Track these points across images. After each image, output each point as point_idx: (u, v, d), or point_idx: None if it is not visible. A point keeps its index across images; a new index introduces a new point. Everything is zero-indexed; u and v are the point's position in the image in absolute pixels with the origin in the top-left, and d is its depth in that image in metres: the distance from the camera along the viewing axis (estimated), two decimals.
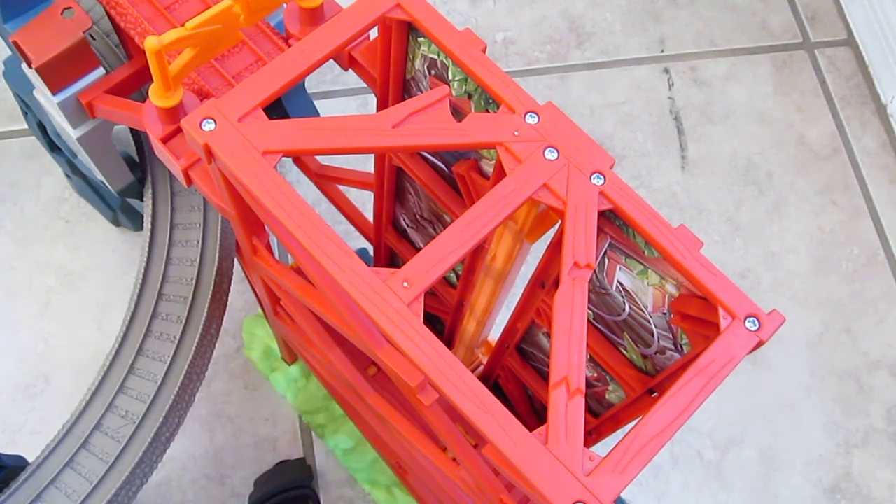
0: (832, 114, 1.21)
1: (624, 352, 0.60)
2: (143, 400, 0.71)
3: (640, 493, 0.98)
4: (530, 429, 0.43)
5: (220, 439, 0.97)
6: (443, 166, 0.64)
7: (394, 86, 0.60)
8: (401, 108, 0.50)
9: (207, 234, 0.75)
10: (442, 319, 0.84)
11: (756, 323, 0.46)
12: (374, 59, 0.59)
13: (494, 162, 0.56)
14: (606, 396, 0.66)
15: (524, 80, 1.19)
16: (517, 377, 0.79)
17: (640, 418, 0.44)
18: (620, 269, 0.53)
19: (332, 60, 0.55)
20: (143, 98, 0.62)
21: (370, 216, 0.82)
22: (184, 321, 0.73)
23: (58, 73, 0.67)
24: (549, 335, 0.66)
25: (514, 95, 0.51)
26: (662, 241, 0.48)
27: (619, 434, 0.56)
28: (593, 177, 0.49)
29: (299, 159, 0.78)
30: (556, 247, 0.54)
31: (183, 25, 0.49)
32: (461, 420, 0.44)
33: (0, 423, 0.96)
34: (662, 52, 1.23)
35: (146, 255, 0.75)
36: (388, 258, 0.87)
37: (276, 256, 0.67)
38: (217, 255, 0.74)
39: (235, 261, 0.78)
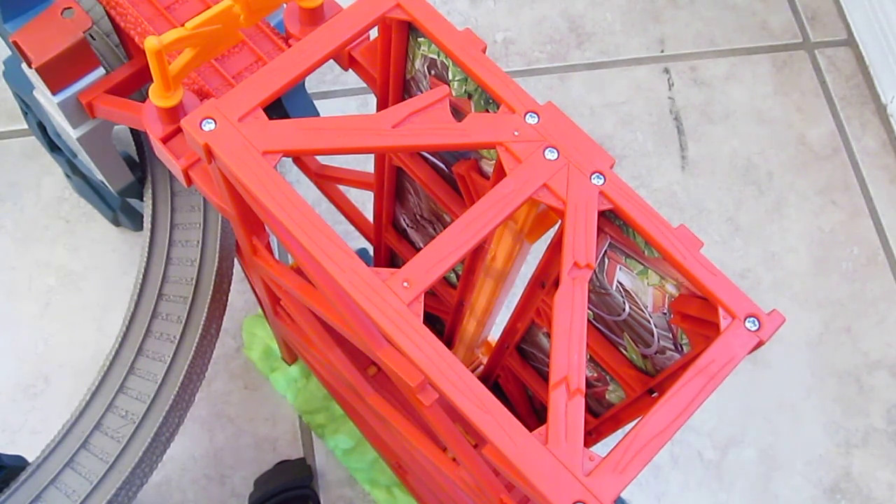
0: (832, 114, 1.21)
1: (624, 352, 0.60)
2: (143, 400, 0.71)
3: (640, 493, 0.98)
4: (530, 429, 0.43)
5: (220, 439, 0.97)
6: (443, 166, 0.64)
7: (394, 86, 0.60)
8: (401, 108, 0.50)
9: (207, 234, 0.75)
10: (442, 319, 0.84)
11: (756, 323, 0.46)
12: (374, 59, 0.59)
13: (494, 162, 0.56)
14: (606, 396, 0.66)
15: (524, 80, 1.19)
16: (517, 377, 0.79)
17: (640, 418, 0.44)
18: (620, 269, 0.53)
19: (332, 60, 0.55)
20: (143, 98, 0.62)
21: (370, 216, 0.82)
22: (184, 321, 0.73)
23: (58, 73, 0.67)
24: (549, 335, 0.66)
25: (514, 95, 0.51)
26: (662, 241, 0.48)
27: (619, 434, 0.56)
28: (593, 177, 0.49)
29: (299, 159, 0.78)
30: (556, 247, 0.54)
31: (183, 25, 0.49)
32: (461, 420, 0.44)
33: (0, 423, 0.96)
34: (662, 52, 1.23)
35: (146, 255, 0.75)
36: (388, 258, 0.87)
37: (276, 256, 0.67)
38: (217, 255, 0.74)
39: (235, 261, 0.78)
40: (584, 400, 0.44)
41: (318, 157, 0.78)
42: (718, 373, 0.45)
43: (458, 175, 0.60)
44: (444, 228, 0.56)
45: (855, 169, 1.18)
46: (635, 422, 0.44)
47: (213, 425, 0.98)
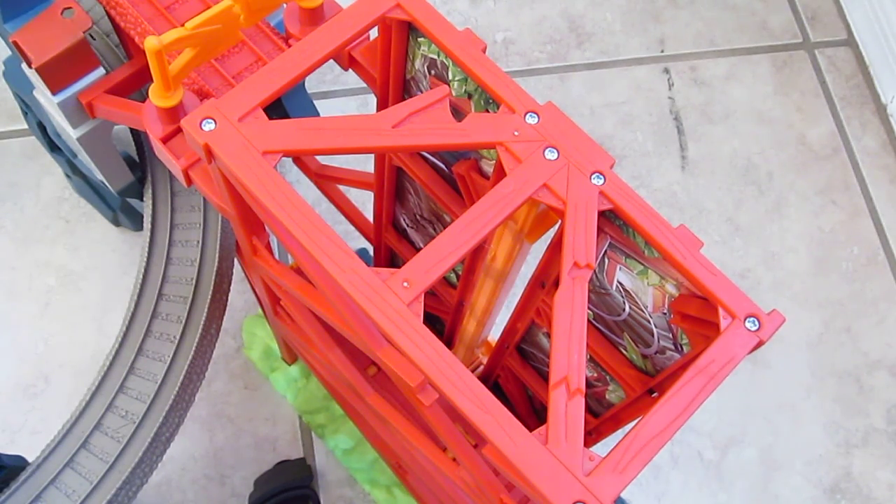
0: (832, 114, 1.21)
1: (624, 352, 0.60)
2: (143, 400, 0.71)
3: (640, 493, 0.98)
4: (530, 429, 0.43)
5: (220, 439, 0.97)
6: (443, 166, 0.64)
7: (394, 86, 0.60)
8: (401, 108, 0.50)
9: (207, 234, 0.75)
10: (442, 319, 0.84)
11: (756, 323, 0.46)
12: (374, 59, 0.59)
13: (494, 162, 0.56)
14: (606, 396, 0.66)
15: (524, 80, 1.19)
16: (517, 377, 0.79)
17: (640, 418, 0.44)
18: (620, 269, 0.53)
19: (332, 60, 0.55)
20: (143, 98, 0.62)
21: (370, 216, 0.82)
22: (184, 321, 0.73)
23: (58, 73, 0.67)
24: (549, 335, 0.66)
25: (514, 95, 0.51)
26: (662, 241, 0.48)
27: (619, 434, 0.56)
28: (593, 177, 0.49)
29: (299, 159, 0.78)
30: (556, 247, 0.54)
31: (183, 25, 0.49)
32: (461, 420, 0.44)
33: (0, 423, 0.96)
34: (662, 52, 1.23)
35: (146, 255, 0.75)
36: (388, 258, 0.87)
37: (276, 256, 0.67)
38: (217, 255, 0.74)
39: (235, 261, 0.78)
40: (584, 400, 0.44)
41: (318, 157, 0.78)
42: (718, 373, 0.45)
43: (458, 175, 0.60)
44: (444, 228, 0.56)
45: (855, 169, 1.18)
46: (635, 422, 0.44)
47: (213, 425, 0.98)
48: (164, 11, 0.66)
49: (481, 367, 0.86)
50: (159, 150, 0.57)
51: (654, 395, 0.59)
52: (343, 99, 1.16)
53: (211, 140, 0.48)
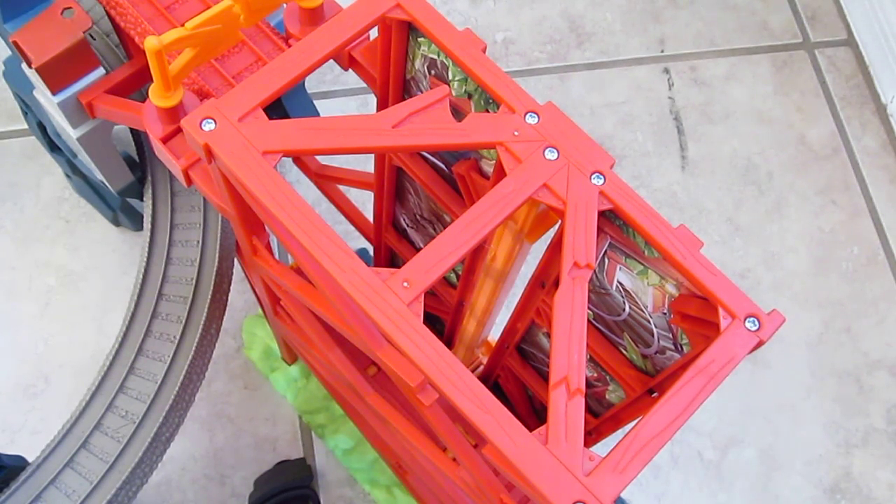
0: (832, 114, 1.21)
1: (624, 352, 0.60)
2: (143, 400, 0.71)
3: (640, 493, 0.98)
4: (530, 429, 0.43)
5: (220, 439, 0.97)
6: (443, 166, 0.64)
7: (394, 86, 0.60)
8: (401, 108, 0.50)
9: (207, 234, 0.75)
10: (442, 319, 0.84)
11: (756, 323, 0.46)
12: (374, 59, 0.59)
13: (494, 162, 0.56)
14: (606, 396, 0.66)
15: (524, 80, 1.19)
16: (517, 377, 0.79)
17: (640, 418, 0.44)
18: (620, 269, 0.53)
19: (332, 60, 0.55)
20: (143, 98, 0.62)
21: (370, 216, 0.82)
22: (184, 321, 0.73)
23: (58, 73, 0.67)
24: (549, 335, 0.66)
25: (514, 95, 0.51)
26: (662, 241, 0.48)
27: (619, 434, 0.56)
28: (593, 177, 0.49)
29: (299, 159, 0.78)
30: (556, 247, 0.54)
31: (183, 25, 0.49)
32: (461, 420, 0.44)
33: (0, 423, 0.96)
34: (662, 52, 1.23)
35: (146, 255, 0.75)
36: (388, 258, 0.87)
37: (276, 256, 0.67)
38: (217, 255, 0.74)
39: (235, 261, 0.78)
40: (584, 400, 0.44)
41: (318, 157, 0.78)
42: (718, 373, 0.45)
43: (458, 175, 0.60)
44: (444, 228, 0.56)
45: (855, 169, 1.18)
46: (635, 422, 0.44)
47: (213, 425, 0.98)
48: (164, 11, 0.66)
49: (481, 367, 0.86)
50: (159, 150, 0.57)
51: (654, 395, 0.59)
52: (343, 99, 1.16)
53: (211, 140, 0.48)
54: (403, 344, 0.44)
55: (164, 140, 0.56)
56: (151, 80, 0.53)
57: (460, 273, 0.72)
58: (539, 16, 1.24)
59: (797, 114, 1.21)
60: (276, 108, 0.69)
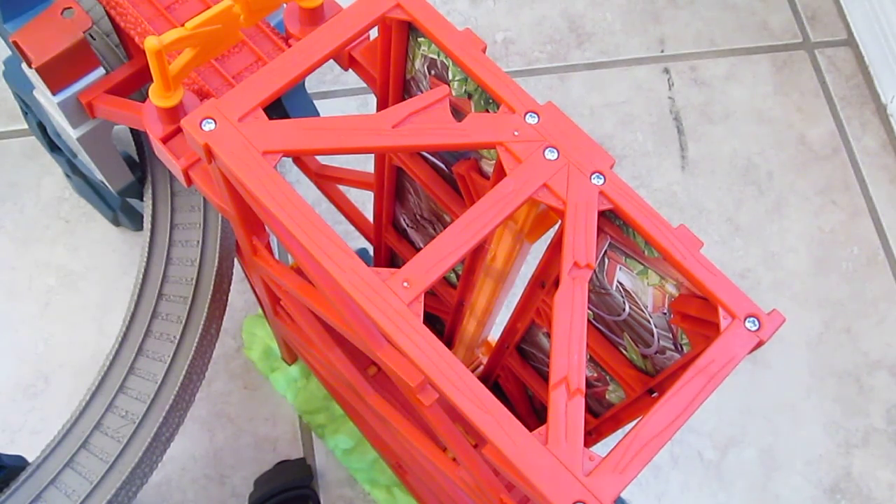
0: (832, 114, 1.21)
1: (624, 352, 0.60)
2: (143, 400, 0.71)
3: (640, 493, 0.98)
4: (530, 429, 0.43)
5: (220, 439, 0.97)
6: (443, 166, 0.64)
7: (394, 86, 0.60)
8: (401, 108, 0.50)
9: (207, 234, 0.75)
10: (442, 319, 0.84)
11: (756, 323, 0.46)
12: (374, 59, 0.59)
13: (494, 162, 0.56)
14: (606, 396, 0.66)
15: (524, 80, 1.19)
16: (517, 377, 0.79)
17: (640, 418, 0.44)
18: (620, 269, 0.53)
19: (332, 60, 0.55)
20: (143, 98, 0.62)
21: (370, 216, 0.82)
22: (184, 321, 0.73)
23: (58, 73, 0.67)
24: (549, 335, 0.66)
25: (514, 95, 0.51)
26: (662, 241, 0.48)
27: (619, 434, 0.56)
28: (593, 177, 0.49)
29: (299, 159, 0.78)
30: (556, 247, 0.54)
31: (183, 25, 0.49)
32: (461, 420, 0.44)
33: (0, 423, 0.96)
34: (662, 52, 1.23)
35: (146, 255, 0.75)
36: (388, 258, 0.87)
37: (276, 256, 0.67)
38: (217, 255, 0.74)
39: (235, 261, 0.78)
40: (584, 400, 0.44)
41: (318, 157, 0.78)
42: (718, 373, 0.45)
43: (458, 175, 0.60)
44: (444, 228, 0.56)
45: (855, 169, 1.18)
46: (635, 422, 0.44)
47: (213, 425, 0.98)
48: (164, 11, 0.66)
49: (481, 367, 0.86)
50: (159, 150, 0.57)
51: (654, 395, 0.59)
52: (343, 99, 1.16)
53: (211, 140, 0.48)
54: (403, 344, 0.44)
55: (164, 140, 0.56)
56: (151, 80, 0.53)
57: (460, 273, 0.72)
58: (539, 16, 1.24)
59: (797, 114, 1.21)
60: (276, 108, 0.69)
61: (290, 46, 0.56)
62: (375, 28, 0.55)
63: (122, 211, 1.01)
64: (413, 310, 0.45)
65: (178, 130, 0.56)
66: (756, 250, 1.11)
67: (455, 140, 0.50)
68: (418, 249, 0.78)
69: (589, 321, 0.61)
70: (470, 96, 0.54)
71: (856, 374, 1.06)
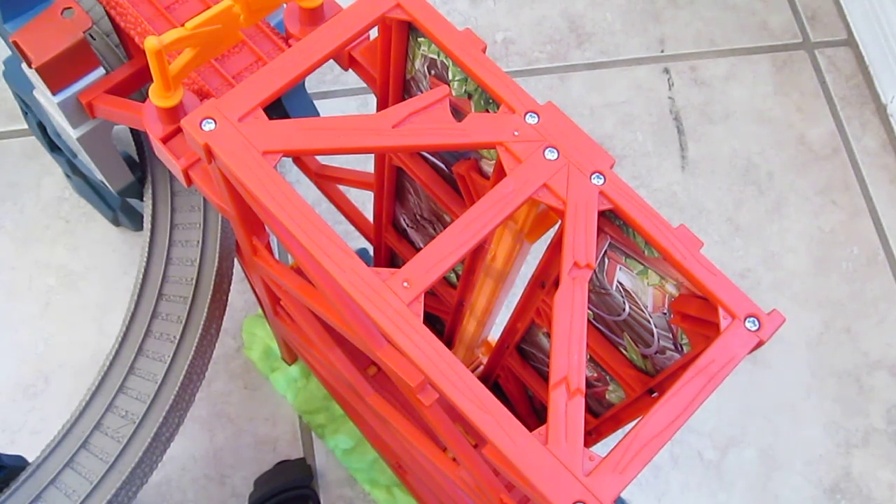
0: (832, 114, 1.21)
1: (624, 352, 0.60)
2: (143, 400, 0.71)
3: (640, 493, 0.98)
4: (530, 429, 0.43)
5: (220, 439, 0.97)
6: (443, 166, 0.64)
7: (394, 86, 0.60)
8: (401, 108, 0.50)
9: (207, 234, 0.75)
10: (442, 319, 0.84)
11: (756, 323, 0.46)
12: (374, 59, 0.59)
13: (494, 162, 0.56)
14: (606, 396, 0.66)
15: (524, 80, 1.19)
16: (517, 377, 0.79)
17: (640, 418, 0.44)
18: (620, 269, 0.53)
19: (332, 60, 0.55)
20: (143, 98, 0.62)
21: (370, 216, 0.82)
22: (184, 321, 0.73)
23: (58, 73, 0.67)
24: (549, 335, 0.66)
25: (514, 95, 0.51)
26: (662, 241, 0.48)
27: (619, 434, 0.56)
28: (593, 177, 0.49)
29: (299, 159, 0.78)
30: (556, 247, 0.54)
31: (183, 25, 0.49)
32: (461, 420, 0.44)
33: (0, 423, 0.96)
34: (662, 52, 1.23)
35: (146, 255, 0.75)
36: (388, 258, 0.87)
37: (276, 256, 0.67)
38: (217, 255, 0.74)
39: (235, 261, 0.78)
40: (584, 400, 0.44)
41: (318, 157, 0.78)
42: (718, 373, 0.45)
43: (458, 175, 0.60)
44: (444, 228, 0.56)
45: (855, 169, 1.18)
46: (635, 422, 0.44)
47: (213, 425, 0.98)
48: (164, 11, 0.66)
49: (481, 367, 0.86)
50: (159, 150, 0.57)
51: (654, 395, 0.59)
52: (343, 99, 1.16)
53: (211, 140, 0.48)
54: (403, 344, 0.44)
55: (164, 140, 0.56)
56: (151, 80, 0.53)
57: (460, 273, 0.72)
58: (539, 16, 1.24)
59: (797, 114, 1.21)
60: (276, 108, 0.69)
61: (290, 46, 0.56)
62: (375, 28, 0.55)
63: (122, 211, 1.01)
64: (413, 310, 0.45)
65: (178, 130, 0.56)
66: (756, 250, 1.11)
67: (455, 140, 0.50)
68: (418, 249, 0.78)
69: (589, 321, 0.61)
70: (470, 96, 0.54)
71: (856, 374, 1.06)
